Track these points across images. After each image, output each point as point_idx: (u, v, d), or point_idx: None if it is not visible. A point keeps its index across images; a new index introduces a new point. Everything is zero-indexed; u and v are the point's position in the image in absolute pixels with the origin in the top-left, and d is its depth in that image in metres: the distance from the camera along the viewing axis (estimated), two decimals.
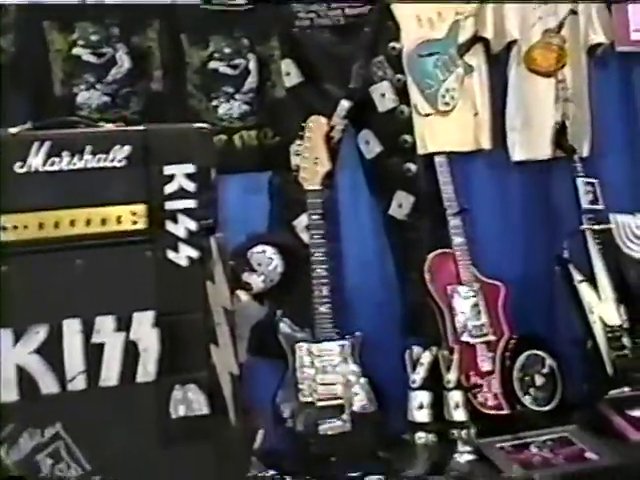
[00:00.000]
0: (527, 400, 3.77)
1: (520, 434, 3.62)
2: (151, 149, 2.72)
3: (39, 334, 2.64)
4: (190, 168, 2.75)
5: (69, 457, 2.68)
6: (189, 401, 2.79)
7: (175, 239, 2.76)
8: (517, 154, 4.11)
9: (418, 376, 3.38)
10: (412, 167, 3.84)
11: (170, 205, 2.75)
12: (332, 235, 3.79)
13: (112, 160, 2.68)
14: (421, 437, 3.36)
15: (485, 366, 3.75)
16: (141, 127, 2.77)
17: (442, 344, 3.63)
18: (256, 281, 3.30)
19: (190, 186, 2.75)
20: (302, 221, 3.58)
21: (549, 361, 3.84)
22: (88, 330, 2.68)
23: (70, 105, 3.46)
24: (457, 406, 3.40)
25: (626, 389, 3.78)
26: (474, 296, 3.81)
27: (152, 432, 2.77)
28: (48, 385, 2.65)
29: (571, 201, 4.01)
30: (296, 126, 3.57)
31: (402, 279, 3.88)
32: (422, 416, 3.37)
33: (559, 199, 4.15)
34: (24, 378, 2.62)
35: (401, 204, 3.83)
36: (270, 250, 3.35)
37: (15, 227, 2.62)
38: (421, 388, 3.37)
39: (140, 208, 2.74)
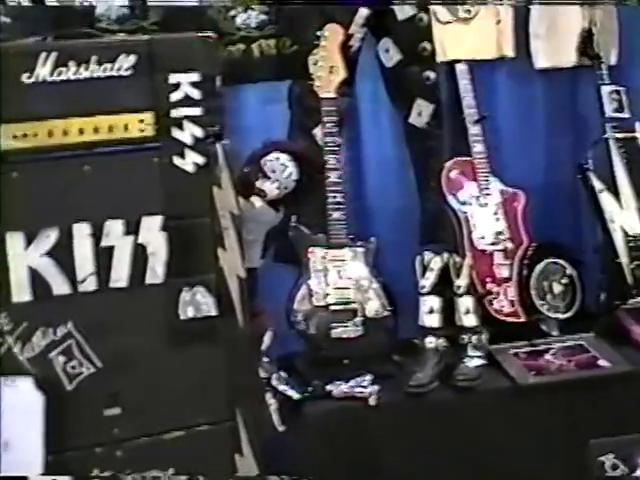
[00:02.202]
0: (544, 308, 3.79)
1: (535, 341, 3.68)
2: (156, 58, 2.78)
3: (50, 237, 2.73)
4: (195, 76, 2.80)
5: (81, 355, 2.78)
6: (197, 303, 2.87)
7: (181, 145, 2.82)
8: (541, 61, 4.08)
9: (427, 281, 3.41)
10: (431, 75, 3.84)
11: (176, 112, 2.81)
12: (352, 143, 3.84)
13: (118, 69, 2.74)
14: (431, 341, 3.40)
15: (502, 273, 3.79)
16: (146, 37, 2.83)
17: (459, 251, 3.67)
18: (270, 188, 3.36)
19: (195, 94, 2.80)
20: None
21: (569, 269, 3.85)
22: (97, 234, 2.77)
23: (89, 17, 3.52)
24: (467, 312, 3.44)
25: None
26: (493, 204, 3.83)
27: (161, 333, 2.87)
28: (60, 286, 2.75)
29: (596, 109, 3.98)
30: (314, 35, 3.59)
31: (421, 186, 3.90)
32: (432, 321, 3.42)
33: (583, 107, 4.13)
34: (36, 279, 2.72)
35: (421, 112, 3.84)
36: (284, 157, 3.39)
37: (25, 135, 2.70)
38: (431, 293, 3.42)
39: (147, 116, 2.80)
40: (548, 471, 3.35)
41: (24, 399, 2.72)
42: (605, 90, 3.97)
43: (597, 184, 3.86)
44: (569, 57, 4.08)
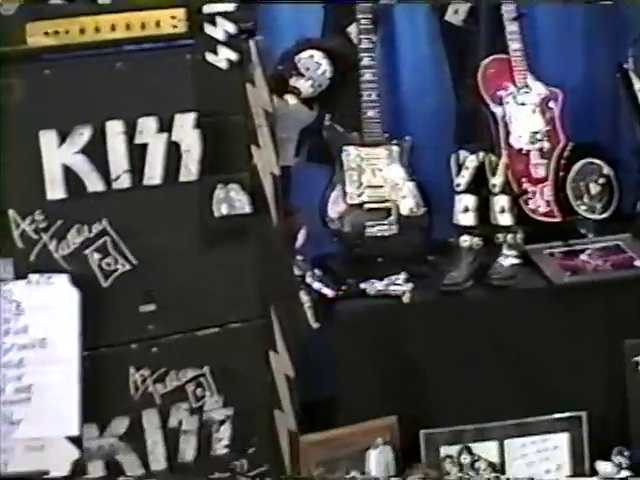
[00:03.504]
0: (581, 208, 3.75)
1: (571, 242, 3.65)
2: None
3: (83, 135, 2.74)
4: None
5: (116, 252, 2.82)
6: (231, 200, 2.89)
7: (214, 42, 2.81)
8: None
9: (463, 180, 3.38)
10: None
11: (208, 8, 2.79)
12: (386, 41, 3.78)
13: None
14: (466, 240, 3.38)
15: (538, 173, 3.74)
16: None
17: (495, 150, 3.62)
18: (304, 85, 3.33)
19: None
20: None
21: (606, 170, 3.80)
22: (131, 131, 2.78)
23: None
24: (503, 211, 3.41)
25: None
26: (530, 103, 3.78)
27: (195, 230, 2.90)
28: (94, 183, 2.78)
29: (636, 7, 3.87)
30: None
31: (457, 85, 3.83)
32: (467, 219, 3.39)
33: (624, 5, 4.02)
34: (70, 177, 2.75)
35: (457, 10, 3.76)
36: (318, 55, 3.35)
37: (56, 32, 2.69)
38: (466, 192, 3.40)
39: (179, 12, 2.78)
40: (582, 371, 3.35)
41: (60, 296, 2.75)
42: None
43: (637, 83, 3.78)
44: None
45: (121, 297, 2.84)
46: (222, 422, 3.00)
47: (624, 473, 3.23)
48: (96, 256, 2.80)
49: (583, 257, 3.57)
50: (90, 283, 2.79)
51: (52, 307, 2.76)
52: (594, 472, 3.28)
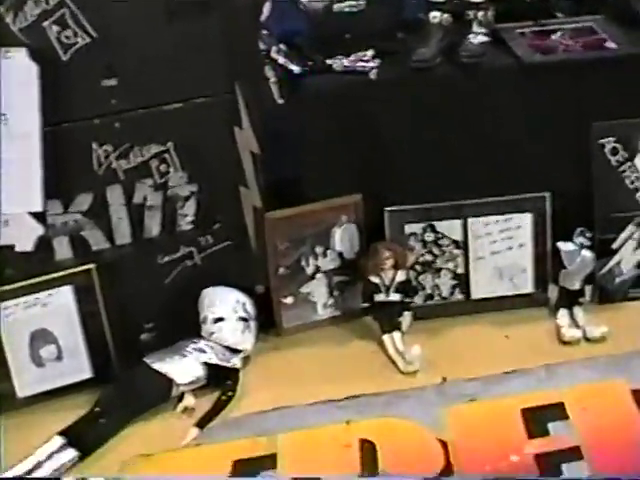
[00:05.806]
0: None
1: (543, 21, 3.59)
2: None
3: None
4: None
5: (75, 25, 2.75)
6: None
7: None
8: None
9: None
10: None
11: None
12: None
13: None
14: (435, 16, 3.29)
15: None
16: None
17: None
18: None
19: None
20: None
21: None
22: None
23: None
24: None
25: None
26: None
27: (158, 2, 2.82)
28: None
29: None
30: None
31: None
32: None
33: None
34: None
35: None
36: None
37: None
38: None
39: None
40: (548, 152, 3.35)
41: (19, 70, 2.71)
42: None
43: None
44: None
45: (82, 71, 2.78)
46: (187, 198, 3.01)
47: (585, 253, 3.28)
48: (55, 29, 2.73)
49: (554, 37, 3.52)
50: (49, 57, 2.73)
51: (11, 82, 2.71)
52: (556, 251, 3.32)
